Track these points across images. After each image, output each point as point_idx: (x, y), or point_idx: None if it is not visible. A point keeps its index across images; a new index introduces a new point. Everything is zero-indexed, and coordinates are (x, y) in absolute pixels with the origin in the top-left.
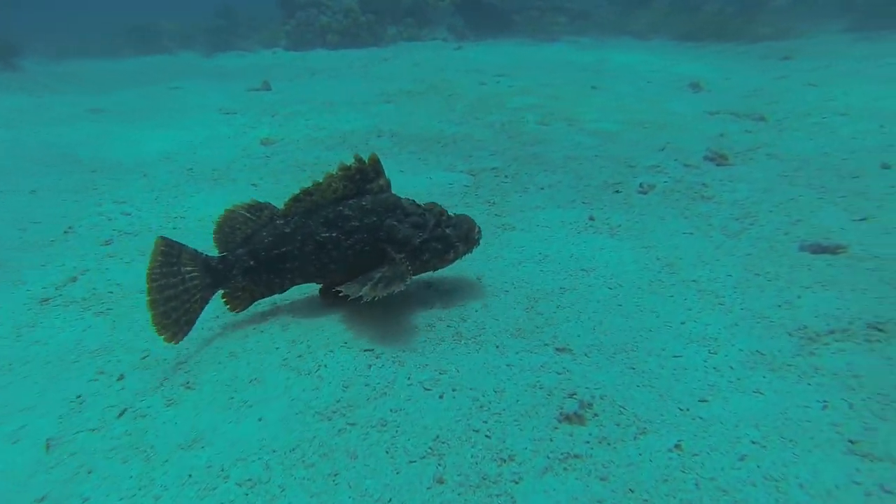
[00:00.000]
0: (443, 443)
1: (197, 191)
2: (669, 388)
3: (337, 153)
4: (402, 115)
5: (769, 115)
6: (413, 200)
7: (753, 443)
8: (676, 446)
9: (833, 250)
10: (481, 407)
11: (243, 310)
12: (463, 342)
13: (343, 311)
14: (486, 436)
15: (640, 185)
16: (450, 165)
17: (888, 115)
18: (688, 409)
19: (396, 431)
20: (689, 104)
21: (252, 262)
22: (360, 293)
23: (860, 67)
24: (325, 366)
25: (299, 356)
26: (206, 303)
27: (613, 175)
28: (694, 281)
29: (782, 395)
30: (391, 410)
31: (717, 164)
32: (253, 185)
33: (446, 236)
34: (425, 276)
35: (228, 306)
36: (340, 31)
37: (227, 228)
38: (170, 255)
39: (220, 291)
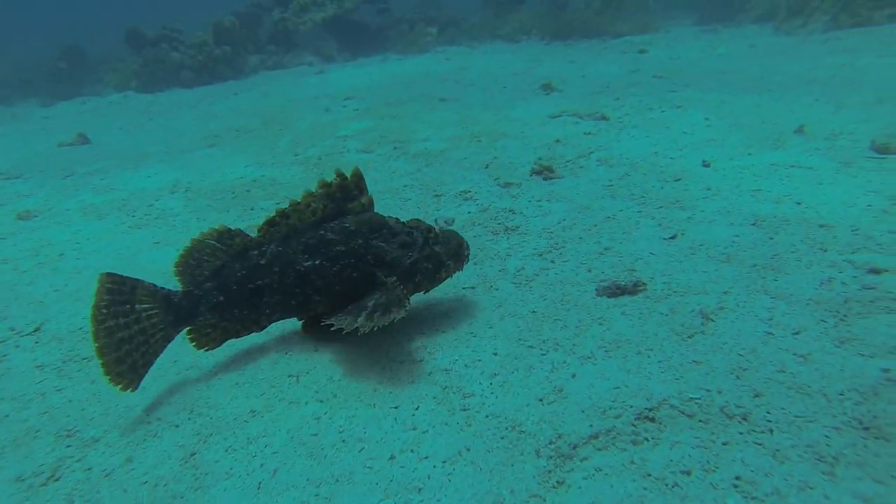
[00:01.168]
0: None
1: None
2: None
3: (105, 223)
4: (215, 161)
5: (612, 112)
6: (397, 218)
7: None
8: None
9: (632, 290)
10: None
11: (214, 348)
12: None
13: (335, 346)
14: None
15: (436, 222)
16: (230, 222)
17: (713, 106)
18: None
19: None
20: (537, 108)
21: (222, 298)
22: (356, 324)
23: (701, 57)
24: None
25: (315, 435)
26: (168, 342)
27: (416, 210)
28: (445, 370)
29: None
30: None
31: (545, 179)
32: None
33: (436, 254)
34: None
35: (195, 344)
36: (195, 67)
37: (193, 261)
38: (119, 291)
39: (185, 330)
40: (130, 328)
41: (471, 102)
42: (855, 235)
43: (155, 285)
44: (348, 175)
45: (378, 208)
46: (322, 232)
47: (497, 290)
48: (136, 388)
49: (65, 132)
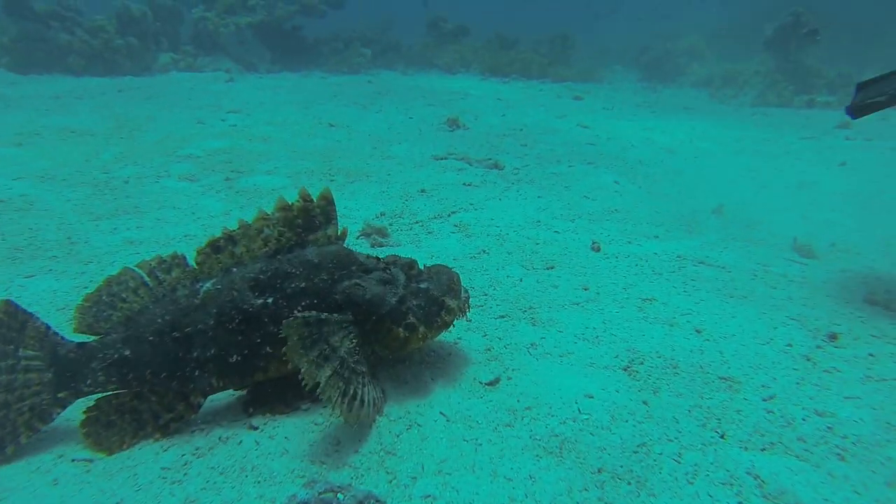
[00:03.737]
0: None
1: None
2: None
3: None
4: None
5: (509, 161)
6: (368, 255)
7: None
8: None
9: None
10: None
11: (118, 450)
12: None
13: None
14: None
15: None
16: None
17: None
18: None
19: None
20: (427, 146)
21: (128, 352)
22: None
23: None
24: None
25: None
26: (50, 418)
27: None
28: None
29: None
30: None
31: (371, 245)
32: None
33: (425, 292)
34: None
35: (89, 440)
36: (87, 54)
37: (106, 298)
38: (8, 326)
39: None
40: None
41: (360, 131)
42: (767, 412)
43: (49, 327)
44: (314, 197)
45: None
46: (277, 265)
47: None
48: None
49: None
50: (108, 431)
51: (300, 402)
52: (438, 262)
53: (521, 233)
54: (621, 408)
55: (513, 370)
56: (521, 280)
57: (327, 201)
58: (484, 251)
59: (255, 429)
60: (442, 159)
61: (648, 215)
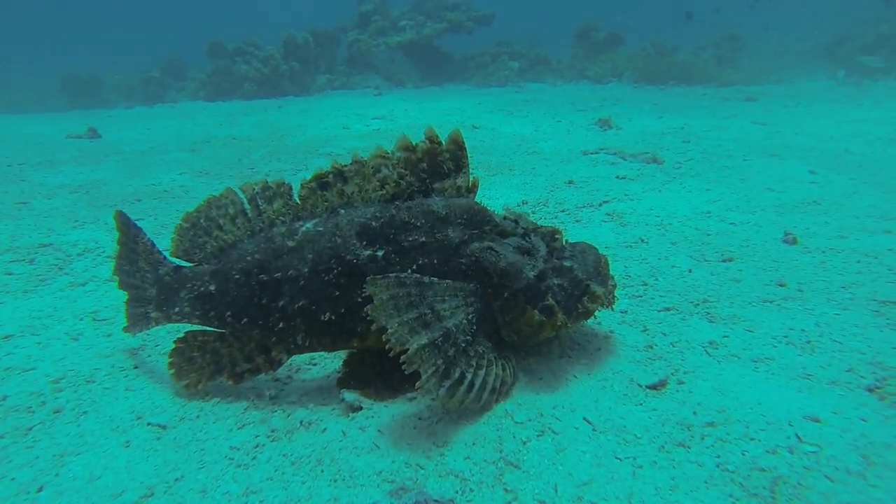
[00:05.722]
0: None
1: None
2: None
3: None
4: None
5: (668, 156)
6: (506, 215)
7: None
8: None
9: None
10: None
11: (195, 389)
12: None
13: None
14: None
15: None
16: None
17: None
18: None
19: None
20: (575, 143)
21: (213, 287)
22: (434, 394)
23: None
24: None
25: None
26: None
27: None
28: None
29: None
30: None
31: None
32: None
33: (568, 271)
34: None
35: (172, 371)
36: (259, 80)
37: (204, 223)
38: (127, 238)
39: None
40: (134, 283)
41: (504, 133)
42: None
43: (154, 244)
44: (443, 140)
45: None
46: (394, 212)
47: None
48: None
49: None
50: (189, 367)
51: (409, 388)
52: None
53: (687, 223)
54: (879, 446)
55: (684, 373)
56: (689, 271)
57: (457, 146)
58: (642, 240)
59: (348, 414)
60: (592, 154)
61: (868, 208)
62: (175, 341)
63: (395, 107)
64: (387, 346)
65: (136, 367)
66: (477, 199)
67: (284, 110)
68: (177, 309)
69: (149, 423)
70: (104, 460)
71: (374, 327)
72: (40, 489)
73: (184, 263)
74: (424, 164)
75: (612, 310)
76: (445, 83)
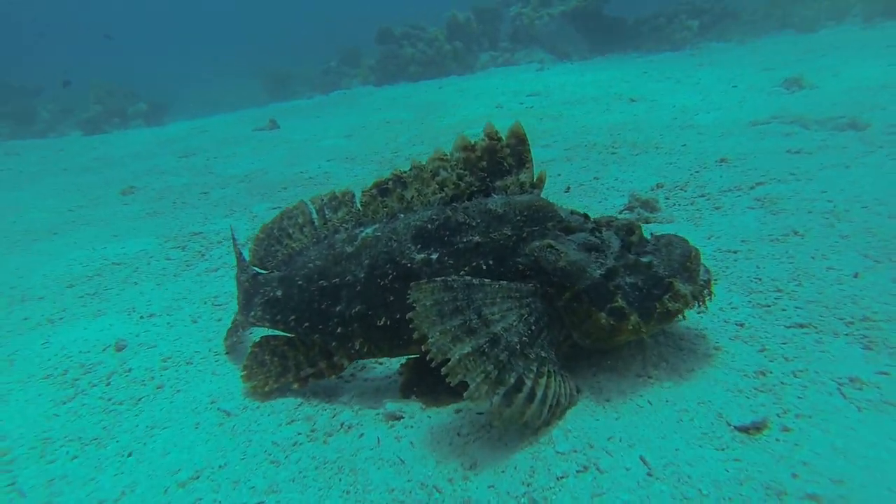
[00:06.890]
0: None
1: None
2: None
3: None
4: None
5: (877, 119)
6: (574, 210)
7: None
8: None
9: None
10: None
11: (263, 392)
12: None
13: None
14: None
15: None
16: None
17: None
18: None
19: None
20: (745, 112)
21: (280, 293)
22: (487, 405)
23: None
24: None
25: None
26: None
27: None
28: None
29: None
30: None
31: (637, 217)
32: None
33: (646, 267)
34: None
35: (245, 373)
36: (424, 62)
37: (277, 232)
38: (236, 247)
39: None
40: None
41: (664, 104)
42: None
43: (241, 254)
44: (503, 136)
45: None
46: (449, 213)
47: None
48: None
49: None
50: (259, 369)
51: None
52: (718, 244)
53: (873, 209)
54: None
55: (796, 416)
56: (854, 276)
57: (518, 139)
58: (796, 233)
59: (394, 421)
60: (762, 124)
61: None
62: (251, 345)
63: (553, 82)
64: (428, 357)
65: (228, 353)
66: (610, 180)
67: (443, 91)
68: (252, 313)
69: (218, 409)
70: (177, 437)
71: (415, 335)
72: (130, 454)
73: (261, 271)
74: (484, 163)
75: (702, 312)
76: (615, 51)
